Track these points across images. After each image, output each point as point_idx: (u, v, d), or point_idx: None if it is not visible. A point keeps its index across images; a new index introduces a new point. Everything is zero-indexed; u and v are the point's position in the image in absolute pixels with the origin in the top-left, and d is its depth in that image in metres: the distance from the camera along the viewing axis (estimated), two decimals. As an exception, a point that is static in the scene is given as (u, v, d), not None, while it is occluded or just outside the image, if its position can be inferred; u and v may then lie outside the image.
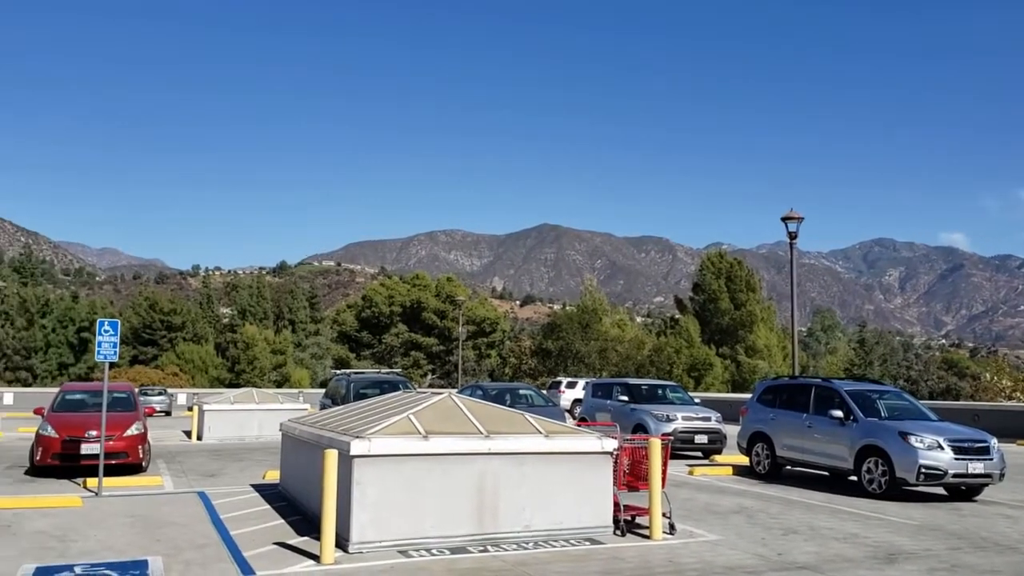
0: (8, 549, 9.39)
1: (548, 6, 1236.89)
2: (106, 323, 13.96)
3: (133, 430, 16.26)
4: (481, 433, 9.97)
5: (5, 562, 8.75)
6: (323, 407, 22.76)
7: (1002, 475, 14.05)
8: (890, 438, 14.11)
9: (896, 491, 13.93)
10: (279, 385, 67.11)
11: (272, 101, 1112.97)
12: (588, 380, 34.10)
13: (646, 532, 10.31)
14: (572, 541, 9.85)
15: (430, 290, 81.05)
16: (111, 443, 15.22)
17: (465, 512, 9.62)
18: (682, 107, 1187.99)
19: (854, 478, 14.88)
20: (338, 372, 30.35)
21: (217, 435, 25.13)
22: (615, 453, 10.64)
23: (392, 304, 79.40)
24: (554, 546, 9.61)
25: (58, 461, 15.58)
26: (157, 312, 75.89)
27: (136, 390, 20.34)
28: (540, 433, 10.36)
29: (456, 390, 21.45)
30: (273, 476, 15.08)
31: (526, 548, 9.49)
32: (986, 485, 14.31)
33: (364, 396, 19.36)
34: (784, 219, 21.59)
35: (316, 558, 8.78)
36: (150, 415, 19.20)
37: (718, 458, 20.12)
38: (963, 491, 14.49)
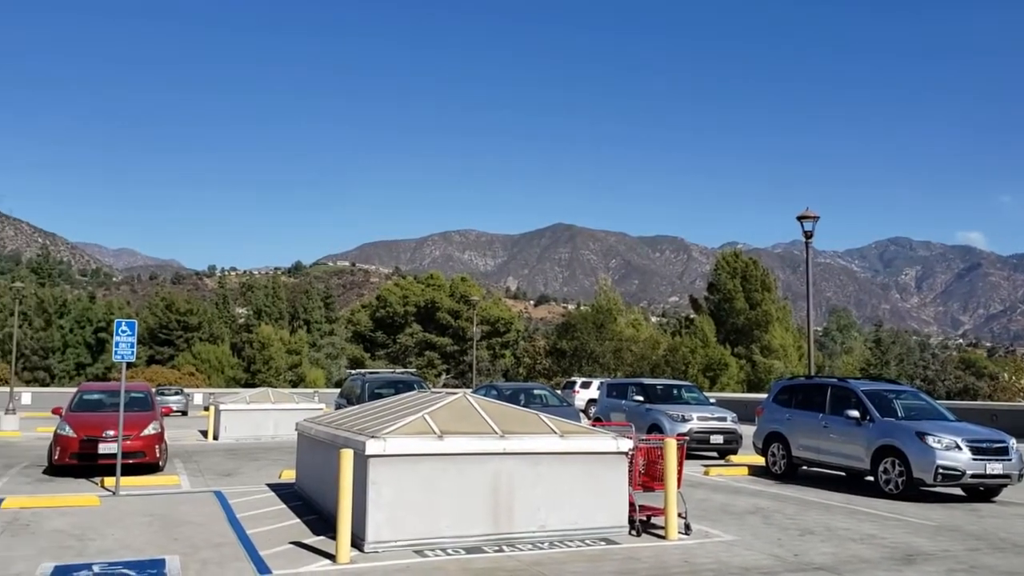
0: (27, 548, 9.46)
1: (548, 6, 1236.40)
2: (123, 323, 14.04)
3: (150, 430, 16.37)
4: (496, 433, 9.97)
5: (25, 561, 8.82)
6: (338, 407, 22.82)
7: (1021, 476, 13.93)
8: (907, 438, 14.03)
9: (913, 492, 13.85)
10: (294, 385, 67.36)
11: (275, 101, 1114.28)
12: (603, 380, 34.07)
13: (661, 532, 10.29)
14: (587, 541, 9.84)
15: (444, 290, 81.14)
16: (128, 443, 15.30)
17: (480, 512, 9.62)
18: (692, 107, 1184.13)
19: (871, 478, 14.81)
20: (353, 372, 30.43)
21: (233, 435, 25.26)
22: (630, 453, 10.62)
23: (406, 304, 79.54)
24: (569, 546, 9.60)
25: (76, 460, 15.70)
26: (174, 312, 76.35)
27: (153, 390, 20.50)
28: (555, 433, 10.36)
29: (470, 390, 21.46)
30: (289, 476, 15.14)
31: (541, 548, 9.49)
32: (1005, 486, 14.21)
33: (379, 396, 19.40)
34: (800, 218, 21.48)
35: (332, 557, 8.81)
36: (167, 415, 19.30)
37: (734, 458, 20.05)
38: (981, 492, 14.39)
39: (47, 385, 62.88)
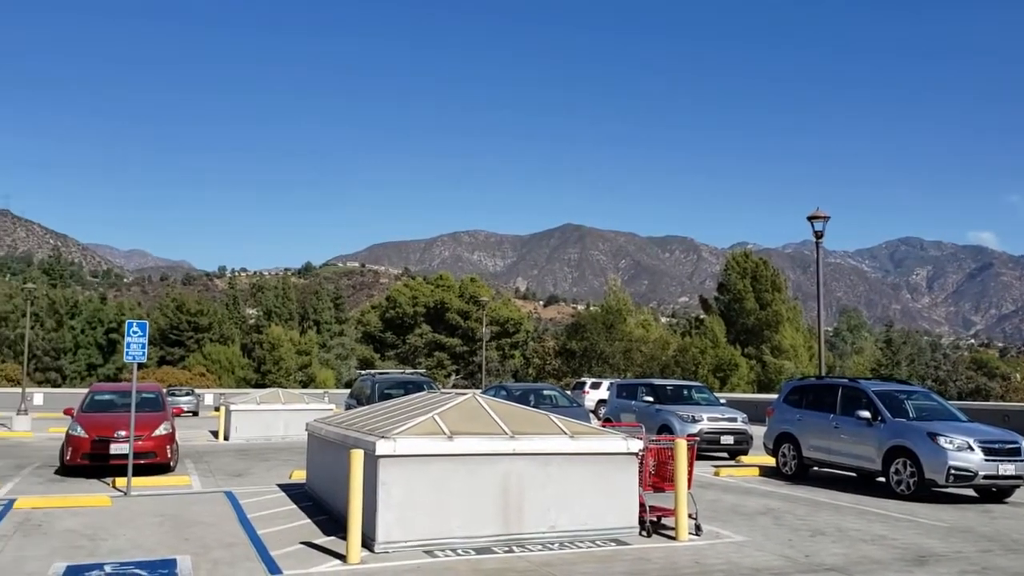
0: (39, 548, 9.51)
1: (548, 6, 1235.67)
2: (135, 324, 14.09)
3: (161, 430, 16.43)
4: (506, 433, 9.97)
5: (37, 561, 8.87)
6: (348, 407, 22.88)
7: (1033, 476, 13.86)
8: (919, 439, 13.97)
9: (925, 493, 13.80)
10: (304, 385, 67.52)
11: (275, 101, 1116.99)
12: (612, 381, 34.05)
13: (672, 533, 10.27)
14: (598, 542, 9.84)
15: (453, 291, 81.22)
16: (140, 443, 15.36)
17: (490, 512, 9.63)
18: (701, 107, 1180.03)
19: (882, 479, 14.76)
20: (363, 373, 30.51)
21: (244, 435, 25.33)
22: (640, 454, 10.61)
23: (416, 305, 79.65)
24: (579, 547, 9.60)
25: (88, 461, 15.76)
26: (184, 313, 76.64)
27: (164, 390, 20.55)
28: (565, 434, 10.35)
29: (480, 391, 21.48)
30: (299, 476, 15.17)
31: (551, 549, 9.48)
32: (1017, 487, 14.14)
33: (389, 396, 19.44)
34: (810, 218, 21.42)
35: (342, 558, 8.83)
36: (178, 415, 19.38)
37: (744, 459, 20.00)
38: (994, 493, 14.32)
39: (59, 386, 63.21)
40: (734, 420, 20.74)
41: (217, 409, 32.71)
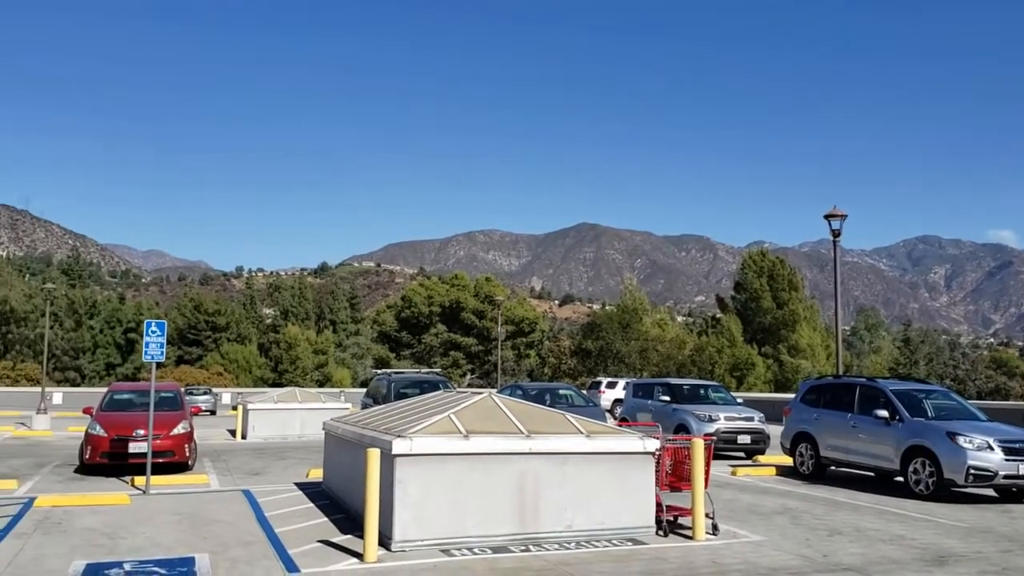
0: (59, 546, 9.59)
1: (548, 6, 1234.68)
2: (153, 324, 14.17)
3: (180, 429, 16.52)
4: (522, 433, 9.97)
5: (57, 559, 8.94)
6: (364, 406, 22.92)
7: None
8: (938, 438, 13.87)
9: (944, 492, 13.70)
10: (321, 385, 67.74)
11: (276, 101, 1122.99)
12: (629, 380, 33.97)
13: (689, 533, 10.25)
14: (614, 541, 9.82)
15: (469, 290, 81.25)
16: (158, 442, 15.46)
17: (506, 511, 9.63)
18: (713, 107, 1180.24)
19: (900, 479, 14.66)
20: (379, 372, 30.55)
21: (261, 434, 25.44)
22: (657, 453, 10.59)
23: (431, 304, 79.73)
24: (596, 546, 9.59)
25: (107, 460, 15.87)
26: (202, 313, 77.09)
27: (182, 390, 20.65)
28: (581, 433, 10.34)
29: (495, 390, 21.48)
30: (316, 474, 15.23)
31: (568, 548, 9.48)
32: (1038, 487, 14.01)
33: (404, 396, 19.47)
34: (827, 217, 21.30)
35: (360, 556, 8.85)
36: (196, 414, 19.50)
37: (761, 458, 19.92)
38: (1014, 493, 14.20)
39: (78, 385, 63.65)
40: (751, 419, 20.66)
41: (234, 408, 32.87)
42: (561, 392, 24.62)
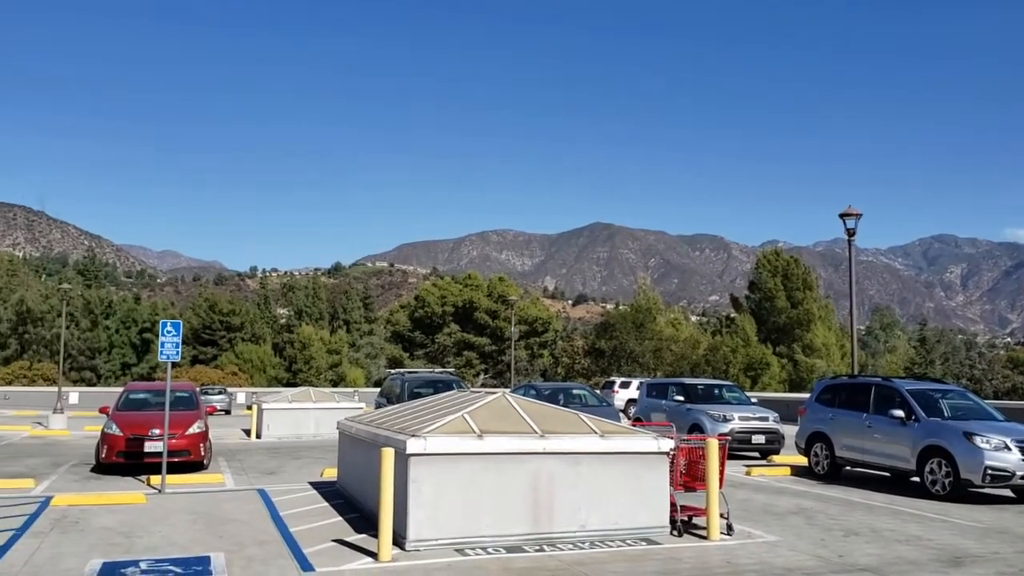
0: (76, 545, 9.65)
1: (548, 6, 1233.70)
2: (169, 324, 14.23)
3: (195, 428, 16.59)
4: (536, 433, 9.97)
5: (75, 557, 9.00)
6: (378, 406, 22.97)
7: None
8: (954, 438, 13.78)
9: (961, 493, 13.60)
10: (335, 384, 67.91)
11: (277, 101, 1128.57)
12: (642, 380, 33.92)
13: (703, 533, 10.23)
14: (628, 541, 9.81)
15: (482, 290, 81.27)
16: (174, 441, 15.54)
17: (520, 511, 9.63)
18: (702, 107, 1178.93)
19: (916, 479, 14.57)
20: (392, 372, 30.61)
21: (275, 433, 25.52)
22: (671, 453, 10.56)
23: (444, 304, 79.80)
24: (610, 546, 9.57)
25: (123, 459, 15.95)
26: (217, 313, 77.40)
27: (197, 389, 20.73)
28: (595, 433, 10.33)
29: (509, 390, 21.48)
30: (330, 474, 15.27)
31: (582, 548, 9.47)
32: (1056, 487, 13.90)
33: (418, 395, 19.50)
34: (842, 216, 21.20)
35: (374, 555, 8.87)
36: (211, 414, 19.57)
37: (776, 458, 19.85)
38: (1031, 493, 14.10)
39: (94, 385, 64.01)
40: (765, 419, 20.59)
41: (249, 407, 33.02)
42: (575, 392, 24.60)
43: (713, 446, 10.39)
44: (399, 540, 9.20)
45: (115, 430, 16.15)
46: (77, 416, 33.52)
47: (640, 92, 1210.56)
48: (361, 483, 11.84)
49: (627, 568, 8.64)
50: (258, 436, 25.61)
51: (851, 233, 21.15)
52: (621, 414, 27.04)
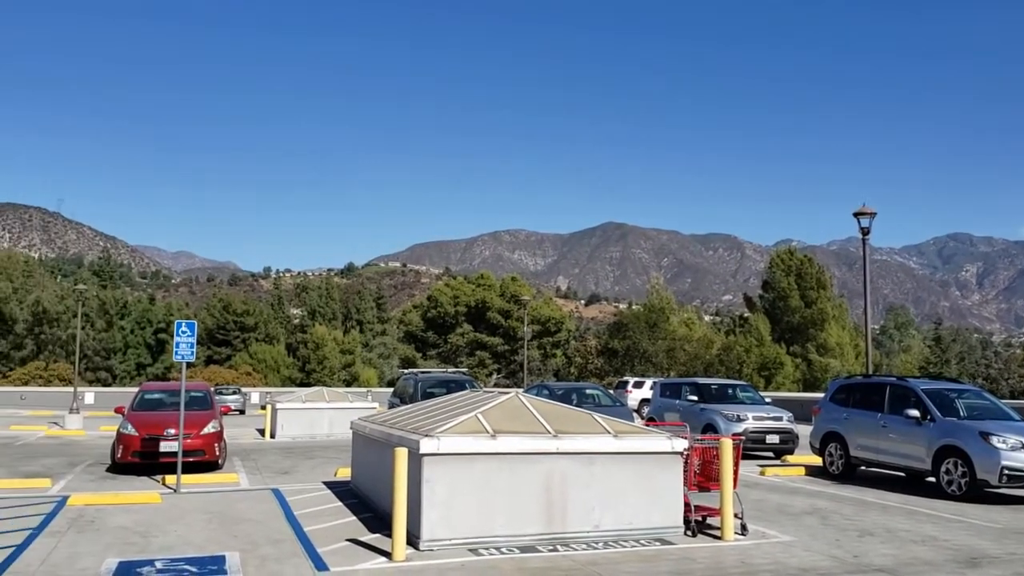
0: (92, 544, 9.71)
1: (548, 6, 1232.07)
2: (183, 324, 14.30)
3: (210, 428, 16.66)
4: (549, 433, 9.97)
5: (91, 557, 9.05)
6: (391, 406, 23.01)
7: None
8: (970, 438, 13.70)
9: (977, 493, 13.53)
10: (348, 384, 68.04)
11: (277, 101, 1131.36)
12: (656, 380, 33.85)
13: (717, 533, 10.20)
14: (642, 541, 9.79)
15: (495, 290, 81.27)
16: (189, 441, 15.61)
17: (534, 511, 9.63)
18: (703, 107, 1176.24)
19: (932, 479, 14.50)
20: (405, 371, 30.66)
21: (289, 433, 25.61)
22: (685, 453, 10.54)
23: (457, 304, 79.85)
24: (624, 546, 9.56)
25: (138, 459, 16.03)
26: (231, 313, 77.67)
27: (212, 389, 20.81)
28: (609, 433, 10.32)
29: (522, 389, 21.47)
30: (344, 473, 15.31)
31: (596, 548, 9.46)
32: (1073, 487, 13.79)
33: (431, 395, 19.53)
34: (856, 214, 21.11)
35: (388, 555, 8.89)
36: (225, 414, 19.64)
37: (790, 458, 19.78)
38: (1048, 494, 14.00)
39: (109, 385, 64.36)
40: (779, 419, 20.52)
41: (263, 407, 33.15)
42: (588, 392, 24.58)
43: (727, 446, 10.37)
44: (413, 540, 9.22)
45: (130, 430, 16.24)
46: (93, 416, 33.72)
47: (640, 92, 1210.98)
48: (375, 483, 11.87)
49: (641, 568, 8.63)
50: (272, 436, 25.71)
51: (865, 232, 21.06)
52: (634, 414, 26.99)
